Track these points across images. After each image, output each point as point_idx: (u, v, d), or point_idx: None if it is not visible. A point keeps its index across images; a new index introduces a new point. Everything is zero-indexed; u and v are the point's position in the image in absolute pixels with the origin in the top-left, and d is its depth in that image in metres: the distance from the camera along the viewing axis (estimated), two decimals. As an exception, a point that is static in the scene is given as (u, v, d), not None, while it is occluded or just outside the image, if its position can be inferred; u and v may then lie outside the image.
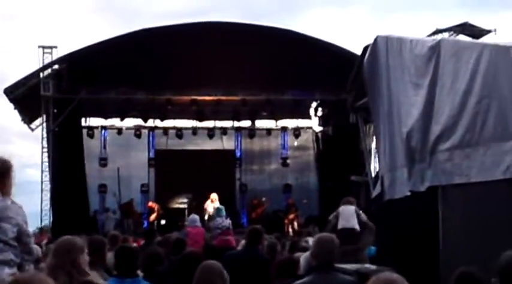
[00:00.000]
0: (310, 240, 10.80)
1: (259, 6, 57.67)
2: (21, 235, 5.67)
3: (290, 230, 26.24)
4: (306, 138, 32.34)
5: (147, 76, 26.25)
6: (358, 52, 23.36)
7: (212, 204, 23.81)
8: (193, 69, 26.16)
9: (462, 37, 24.56)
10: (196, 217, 15.84)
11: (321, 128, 31.15)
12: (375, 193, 11.49)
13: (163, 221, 26.63)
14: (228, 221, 15.77)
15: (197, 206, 24.72)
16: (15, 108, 27.11)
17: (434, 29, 26.38)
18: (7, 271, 5.51)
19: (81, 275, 5.21)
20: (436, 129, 8.91)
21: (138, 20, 50.73)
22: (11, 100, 26.39)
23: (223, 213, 16.15)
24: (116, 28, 51.98)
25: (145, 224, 27.48)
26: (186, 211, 24.66)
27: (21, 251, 5.66)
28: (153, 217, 27.48)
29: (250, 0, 57.64)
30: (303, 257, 8.54)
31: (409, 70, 10.02)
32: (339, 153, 28.00)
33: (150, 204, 28.67)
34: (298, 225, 26.67)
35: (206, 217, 22.84)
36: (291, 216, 27.22)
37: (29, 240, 5.80)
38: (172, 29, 26.35)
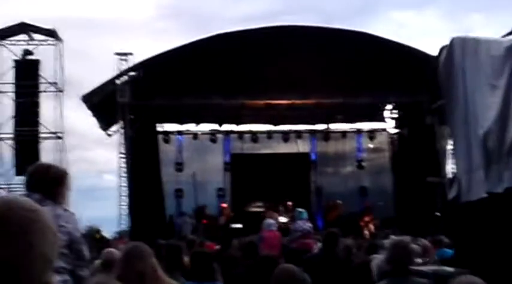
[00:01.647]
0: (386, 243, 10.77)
1: (332, 8, 57.39)
2: (72, 243, 5.73)
3: (366, 232, 26.10)
4: (381, 140, 32.16)
5: (221, 81, 26.44)
6: (434, 54, 23.21)
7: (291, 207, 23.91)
8: (268, 73, 26.27)
9: (539, 36, 24.10)
10: (271, 221, 15.89)
11: (396, 130, 30.95)
12: (451, 195, 11.37)
13: (239, 225, 26.75)
14: (309, 225, 15.81)
15: (273, 210, 24.79)
16: (93, 115, 27.60)
17: (510, 29, 25.95)
18: (58, 278, 5.59)
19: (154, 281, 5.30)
20: (513, 130, 8.80)
21: (211, 25, 51.00)
22: (89, 107, 26.89)
23: (305, 216, 16.19)
24: (189, 34, 52.40)
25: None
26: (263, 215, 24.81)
27: (74, 259, 5.73)
28: (222, 219, 27.59)
29: (323, 3, 57.39)
30: (375, 263, 8.54)
31: (486, 71, 9.92)
32: (415, 155, 27.79)
33: (223, 204, 28.88)
34: (375, 228, 26.52)
35: (282, 219, 22.95)
36: (367, 219, 27.08)
37: (81, 247, 5.86)
38: (246, 34, 26.47)
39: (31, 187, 5.75)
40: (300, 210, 16.87)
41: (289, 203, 24.94)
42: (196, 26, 53.63)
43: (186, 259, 7.89)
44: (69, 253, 5.70)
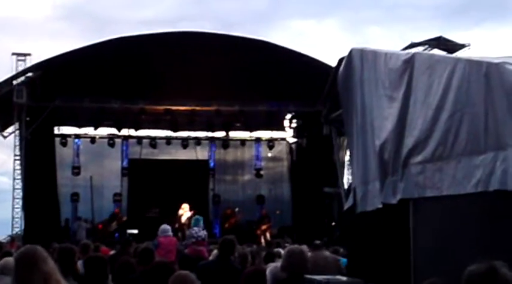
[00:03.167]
0: (282, 251, 10.84)
1: (231, 16, 57.66)
2: None
3: (263, 241, 26.24)
4: (280, 149, 32.43)
5: (121, 85, 26.22)
6: (333, 64, 23.51)
7: (185, 213, 23.96)
8: (168, 79, 26.18)
9: (436, 51, 24.72)
10: (167, 226, 15.82)
11: (294, 140, 31.26)
12: (347, 205, 11.54)
13: (135, 231, 26.53)
14: (204, 233, 15.78)
15: (169, 215, 24.68)
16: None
17: (409, 43, 26.54)
18: None
19: None
20: (408, 142, 8.96)
21: (111, 28, 50.61)
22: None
23: (201, 223, 16.16)
24: (89, 36, 51.83)
25: (117, 234, 27.29)
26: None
27: None
28: (114, 224, 27.37)
29: (223, 10, 57.56)
30: (269, 270, 8.56)
31: (383, 83, 10.09)
32: (313, 165, 28.10)
33: (116, 210, 28.68)
34: (271, 236, 26.68)
35: (177, 225, 22.97)
36: (264, 227, 27.26)
37: None
38: (147, 38, 26.27)
39: None
40: (198, 217, 16.84)
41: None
42: (94, 28, 53.10)
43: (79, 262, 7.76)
44: None
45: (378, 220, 9.82)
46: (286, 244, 15.12)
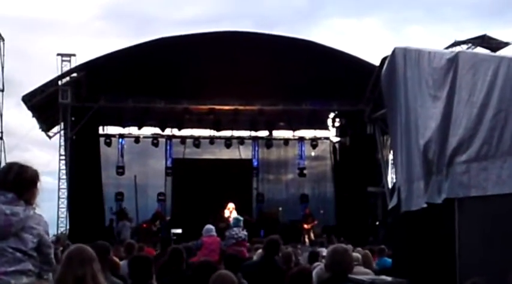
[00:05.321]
0: (324, 251, 10.80)
1: (272, 14, 57.59)
2: (41, 246, 5.64)
3: (307, 240, 26.21)
4: (323, 148, 32.33)
5: (164, 85, 26.35)
6: (376, 63, 23.41)
7: (230, 213, 23.99)
8: (211, 79, 26.22)
9: (480, 49, 24.52)
10: (211, 226, 15.84)
11: (338, 139, 31.12)
12: (391, 204, 11.44)
13: (179, 230, 26.61)
14: (244, 233, 15.76)
15: (214, 215, 24.76)
16: (33, 116, 27.24)
17: (452, 41, 26.36)
18: (25, 280, 5.52)
19: None
20: (453, 141, 8.88)
21: (153, 28, 50.86)
22: (29, 107, 26.52)
23: (241, 223, 16.14)
24: (131, 35, 52.03)
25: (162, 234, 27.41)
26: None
27: (41, 262, 5.64)
28: (157, 223, 27.49)
29: (264, 9, 57.56)
30: (314, 272, 8.53)
31: (427, 82, 10.00)
32: (356, 164, 28.01)
33: (158, 209, 28.86)
34: (315, 235, 26.64)
35: (222, 226, 22.96)
36: (308, 226, 27.22)
37: (49, 251, 5.77)
38: (190, 38, 26.40)
39: (4, 186, 5.64)
40: (237, 217, 16.82)
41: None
42: (137, 28, 53.43)
43: (116, 259, 7.81)
44: (37, 255, 5.61)
45: (423, 220, 9.74)
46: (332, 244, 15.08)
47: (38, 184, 5.85)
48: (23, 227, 5.58)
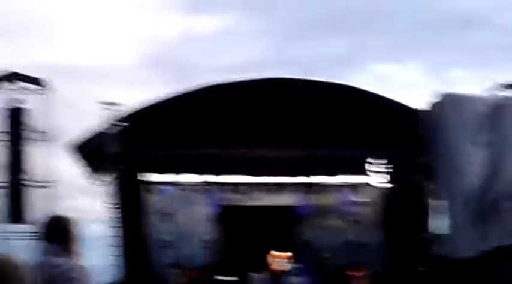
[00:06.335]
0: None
1: (311, 60, 57.84)
2: None
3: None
4: (367, 194, 32.20)
5: (208, 131, 26.60)
6: (417, 108, 23.42)
7: (276, 260, 23.99)
8: (254, 125, 26.45)
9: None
10: (258, 274, 15.93)
11: (381, 184, 31.03)
12: (439, 252, 11.50)
13: (226, 278, 26.63)
14: (298, 280, 15.83)
15: (259, 262, 24.79)
16: (79, 164, 27.67)
17: (495, 85, 26.32)
18: None
19: None
20: (498, 188, 8.95)
21: (195, 75, 51.34)
22: (75, 156, 26.96)
23: (295, 271, 16.18)
24: (173, 83, 52.52)
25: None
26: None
27: None
28: (204, 271, 27.49)
29: (302, 55, 57.84)
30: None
31: (471, 128, 10.12)
32: (400, 210, 27.92)
33: (207, 257, 28.91)
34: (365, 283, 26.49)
35: (269, 273, 22.98)
36: (356, 273, 27.06)
37: None
38: (234, 85, 26.72)
39: (47, 238, 5.84)
40: (292, 265, 16.86)
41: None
42: (179, 75, 53.80)
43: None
44: None
45: (471, 266, 9.79)
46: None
47: (81, 233, 6.03)
48: (65, 279, 5.72)
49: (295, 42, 59.96)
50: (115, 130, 26.80)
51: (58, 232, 5.75)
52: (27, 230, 29.09)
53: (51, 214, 6.21)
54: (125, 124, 26.57)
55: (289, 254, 24.53)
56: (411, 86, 55.31)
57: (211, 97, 26.21)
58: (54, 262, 5.54)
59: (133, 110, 26.87)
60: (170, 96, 26.89)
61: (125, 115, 26.95)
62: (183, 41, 59.18)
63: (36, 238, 5.99)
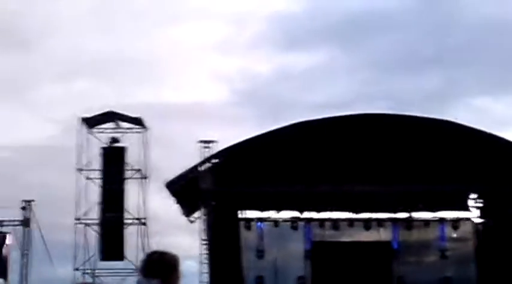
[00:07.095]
0: None
1: (405, 95, 57.32)
2: None
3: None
4: (465, 229, 31.51)
5: (302, 169, 26.65)
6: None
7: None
8: (348, 161, 26.36)
9: None
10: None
11: (480, 220, 30.40)
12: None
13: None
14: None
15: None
16: (176, 201, 28.04)
17: None
18: None
19: None
20: None
21: (288, 112, 51.52)
22: (172, 193, 27.34)
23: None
24: (267, 119, 52.80)
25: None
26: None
27: None
28: None
29: (395, 90, 57.39)
30: None
31: None
32: (501, 245, 27.30)
33: None
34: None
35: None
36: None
37: None
38: (327, 121, 26.76)
39: (148, 273, 5.91)
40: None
41: None
42: (273, 112, 54.04)
43: None
44: None
45: None
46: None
47: (180, 269, 6.07)
48: None
49: (390, 77, 59.62)
50: (207, 166, 27.11)
51: (163, 268, 5.81)
52: (125, 267, 29.67)
53: (155, 250, 6.26)
54: (217, 160, 26.85)
55: None
56: (509, 119, 54.11)
57: (304, 134, 26.33)
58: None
59: (226, 147, 27.13)
60: (263, 133, 27.09)
61: (218, 152, 27.25)
62: (277, 77, 59.58)
63: (133, 274, 6.06)
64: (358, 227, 30.82)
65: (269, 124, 27.56)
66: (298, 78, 58.31)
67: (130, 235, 30.40)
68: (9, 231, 31.28)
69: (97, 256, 30.16)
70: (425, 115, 27.71)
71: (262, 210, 30.76)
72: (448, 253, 31.48)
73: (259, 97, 58.18)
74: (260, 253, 30.61)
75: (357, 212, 30.30)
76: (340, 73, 59.22)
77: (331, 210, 30.70)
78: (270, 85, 58.58)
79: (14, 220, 30.89)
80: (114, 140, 30.97)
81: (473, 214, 30.25)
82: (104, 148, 30.87)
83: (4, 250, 31.12)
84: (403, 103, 51.51)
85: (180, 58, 55.26)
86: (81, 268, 29.90)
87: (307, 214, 30.76)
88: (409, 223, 31.23)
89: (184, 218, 29.42)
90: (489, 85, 58.43)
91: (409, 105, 51.37)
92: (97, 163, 30.87)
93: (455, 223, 31.26)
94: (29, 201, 30.65)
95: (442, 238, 31.71)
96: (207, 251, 27.72)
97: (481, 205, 29.49)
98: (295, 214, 30.48)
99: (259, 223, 31.11)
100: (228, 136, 28.69)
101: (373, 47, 58.65)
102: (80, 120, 30.83)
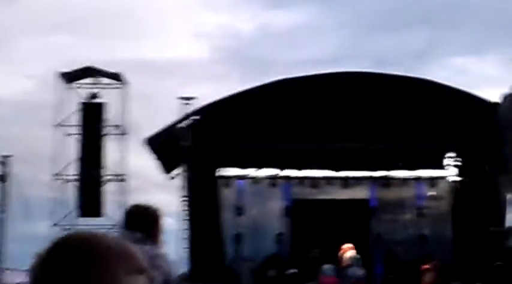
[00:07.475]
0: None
1: (388, 54, 57.48)
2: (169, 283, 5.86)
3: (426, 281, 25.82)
4: (442, 188, 31.85)
5: (282, 126, 26.69)
6: (495, 101, 23.13)
7: (347, 253, 23.93)
8: (328, 120, 26.43)
9: None
10: (329, 266, 15.94)
11: (456, 178, 30.68)
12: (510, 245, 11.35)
13: (295, 270, 26.68)
14: (362, 272, 15.82)
15: (331, 255, 24.76)
16: (155, 158, 28.00)
17: None
18: None
19: None
20: None
21: (270, 70, 51.59)
22: (151, 150, 27.30)
23: (359, 262, 16.18)
24: (249, 77, 52.82)
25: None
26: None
27: None
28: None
29: (379, 48, 57.51)
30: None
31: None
32: (476, 203, 27.56)
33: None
34: (436, 277, 26.23)
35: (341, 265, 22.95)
36: (427, 267, 26.82)
37: None
38: (309, 79, 26.76)
39: (131, 226, 5.94)
40: (356, 256, 16.83)
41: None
42: (254, 70, 54.14)
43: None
44: None
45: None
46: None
47: (162, 224, 6.12)
48: (152, 266, 5.79)
49: (373, 35, 59.68)
50: (187, 123, 27.06)
51: (145, 221, 5.85)
52: (104, 223, 29.69)
53: (136, 203, 6.31)
54: (197, 117, 26.79)
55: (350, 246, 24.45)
56: (489, 79, 54.48)
57: (286, 91, 26.32)
58: (141, 250, 5.59)
59: (207, 104, 27.08)
60: (245, 90, 27.06)
61: (198, 109, 27.19)
62: (260, 35, 59.41)
63: (112, 230, 6.09)
64: (337, 185, 31.03)
65: (251, 82, 27.61)
66: (281, 36, 58.42)
67: (109, 191, 30.42)
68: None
69: (75, 212, 30.16)
70: (406, 74, 27.84)
71: (242, 167, 30.86)
72: (424, 211, 31.77)
73: (242, 55, 58.17)
74: (239, 211, 30.71)
75: (336, 170, 30.47)
76: (324, 31, 59.29)
77: (311, 168, 30.86)
78: (253, 43, 58.58)
79: (-9, 176, 30.72)
80: (93, 96, 30.79)
81: (451, 172, 30.51)
82: (83, 104, 30.69)
83: (-18, 206, 31.02)
84: (386, 62, 51.70)
85: (163, 14, 54.99)
86: (60, 224, 29.91)
87: (287, 172, 30.89)
88: (386, 181, 31.47)
89: (163, 176, 29.44)
90: (473, 44, 58.69)
91: (391, 64, 51.57)
92: (75, 119, 30.72)
93: (433, 181, 31.55)
94: (7, 156, 30.46)
95: (419, 196, 31.99)
96: (187, 208, 27.77)
97: (458, 163, 29.73)
98: (274, 171, 30.60)
99: (238, 181, 31.23)
100: (209, 94, 28.68)
101: (359, 5, 58.65)
102: (58, 75, 30.59)
